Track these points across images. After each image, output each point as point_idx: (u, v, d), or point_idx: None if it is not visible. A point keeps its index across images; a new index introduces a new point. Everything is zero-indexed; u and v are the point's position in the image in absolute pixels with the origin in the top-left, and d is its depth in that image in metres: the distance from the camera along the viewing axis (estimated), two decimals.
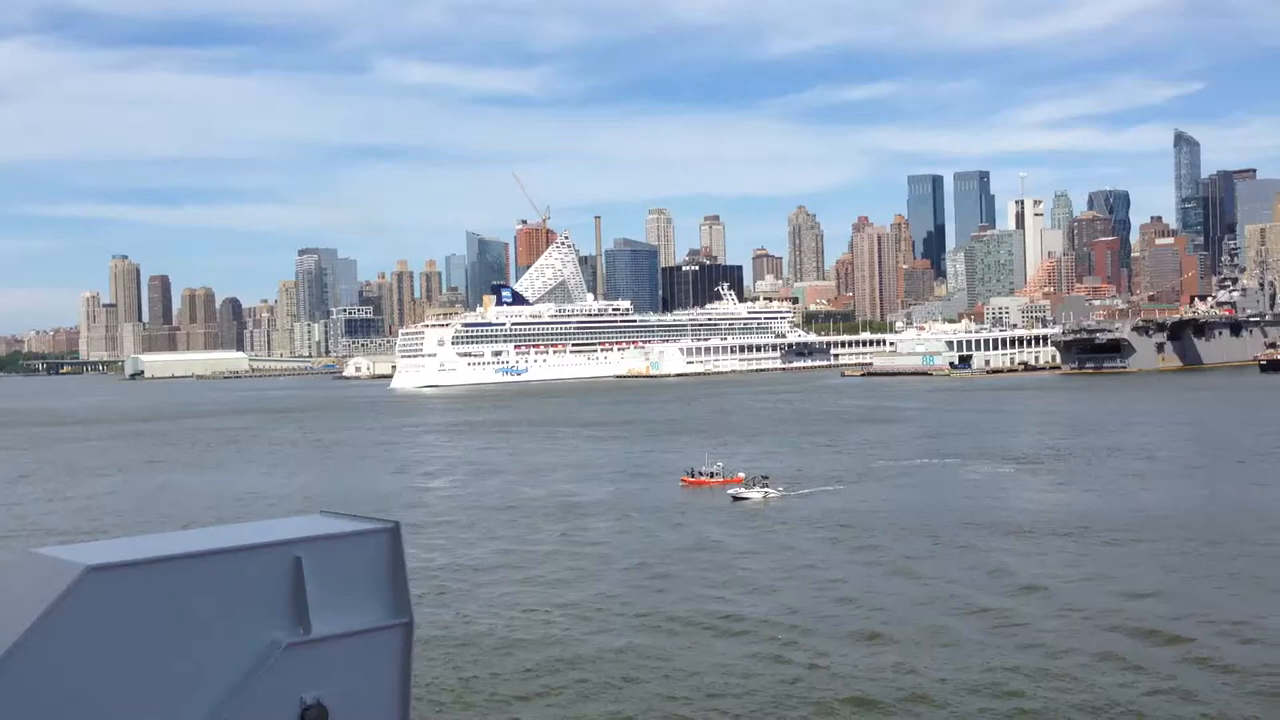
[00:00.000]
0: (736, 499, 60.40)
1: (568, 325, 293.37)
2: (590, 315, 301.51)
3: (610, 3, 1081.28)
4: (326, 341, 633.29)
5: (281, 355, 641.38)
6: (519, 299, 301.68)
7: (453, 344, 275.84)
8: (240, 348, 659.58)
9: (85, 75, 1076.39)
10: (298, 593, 3.94)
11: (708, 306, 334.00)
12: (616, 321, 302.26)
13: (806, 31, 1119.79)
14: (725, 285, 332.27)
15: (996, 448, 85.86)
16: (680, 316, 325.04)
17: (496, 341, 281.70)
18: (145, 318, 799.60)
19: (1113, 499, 59.68)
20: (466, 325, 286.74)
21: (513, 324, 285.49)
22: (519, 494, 67.64)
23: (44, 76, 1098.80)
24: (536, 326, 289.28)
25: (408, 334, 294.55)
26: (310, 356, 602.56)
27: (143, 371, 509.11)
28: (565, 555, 48.29)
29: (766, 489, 61.43)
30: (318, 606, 3.95)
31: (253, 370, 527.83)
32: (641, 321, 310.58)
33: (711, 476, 65.10)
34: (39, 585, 3.58)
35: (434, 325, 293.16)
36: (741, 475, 64.58)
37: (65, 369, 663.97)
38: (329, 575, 4.00)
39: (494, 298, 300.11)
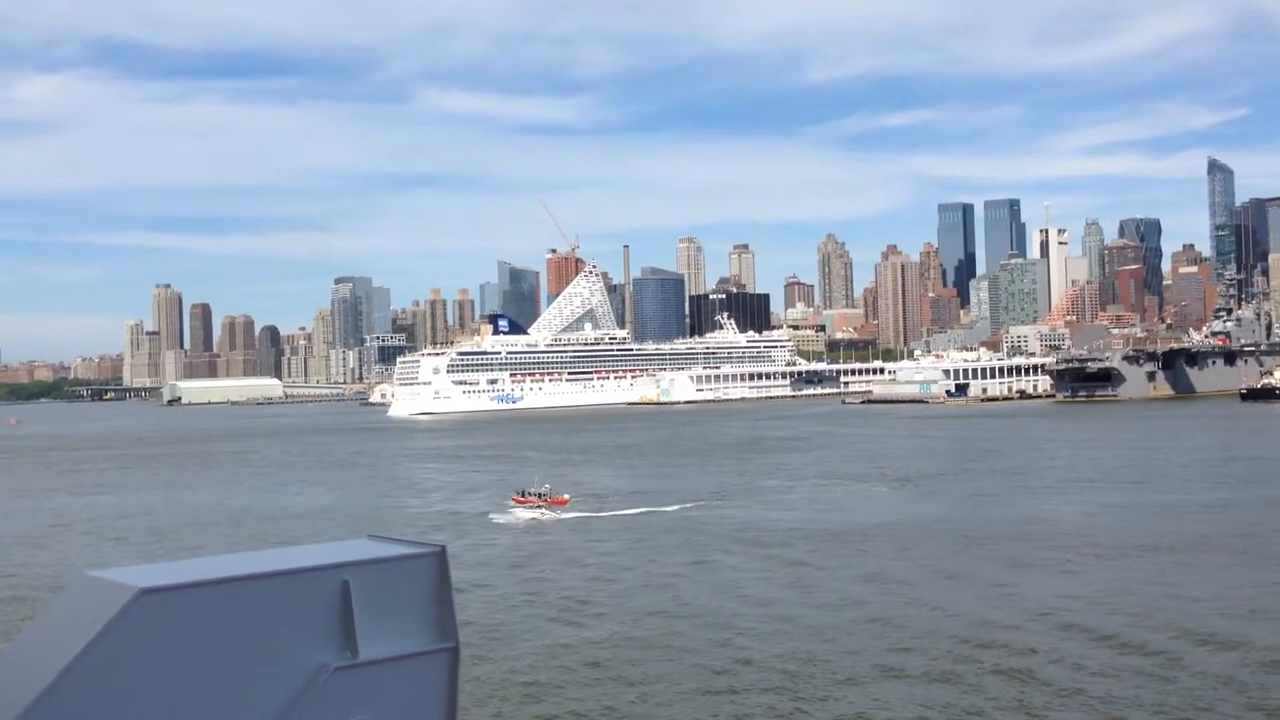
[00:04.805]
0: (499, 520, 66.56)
1: (564, 354, 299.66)
2: (586, 344, 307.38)
3: (650, 31, 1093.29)
4: (361, 368, 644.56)
5: (317, 382, 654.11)
6: (515, 328, 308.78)
7: (448, 372, 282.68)
8: (278, 374, 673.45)
9: (135, 106, 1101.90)
10: (345, 616, 3.94)
11: (707, 335, 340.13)
12: (613, 350, 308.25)
13: (845, 59, 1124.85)
14: (725, 315, 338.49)
15: (891, 470, 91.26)
16: (678, 346, 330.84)
17: (492, 370, 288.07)
18: (187, 345, 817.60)
19: (922, 512, 65.50)
20: (462, 354, 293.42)
21: (508, 352, 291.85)
22: (404, 508, 74.75)
23: (95, 108, 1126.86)
24: (532, 355, 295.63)
25: (405, 362, 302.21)
26: (344, 383, 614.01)
27: (180, 398, 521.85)
28: None
29: (542, 511, 66.99)
30: (365, 630, 3.96)
31: (286, 396, 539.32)
32: (638, 350, 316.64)
33: (540, 497, 70.09)
34: (92, 607, 3.61)
35: (430, 354, 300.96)
36: (566, 497, 70.33)
37: (109, 395, 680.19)
38: (376, 599, 4.01)
39: (491, 326, 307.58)
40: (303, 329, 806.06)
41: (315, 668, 3.91)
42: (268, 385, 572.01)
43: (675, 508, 70.39)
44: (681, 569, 49.60)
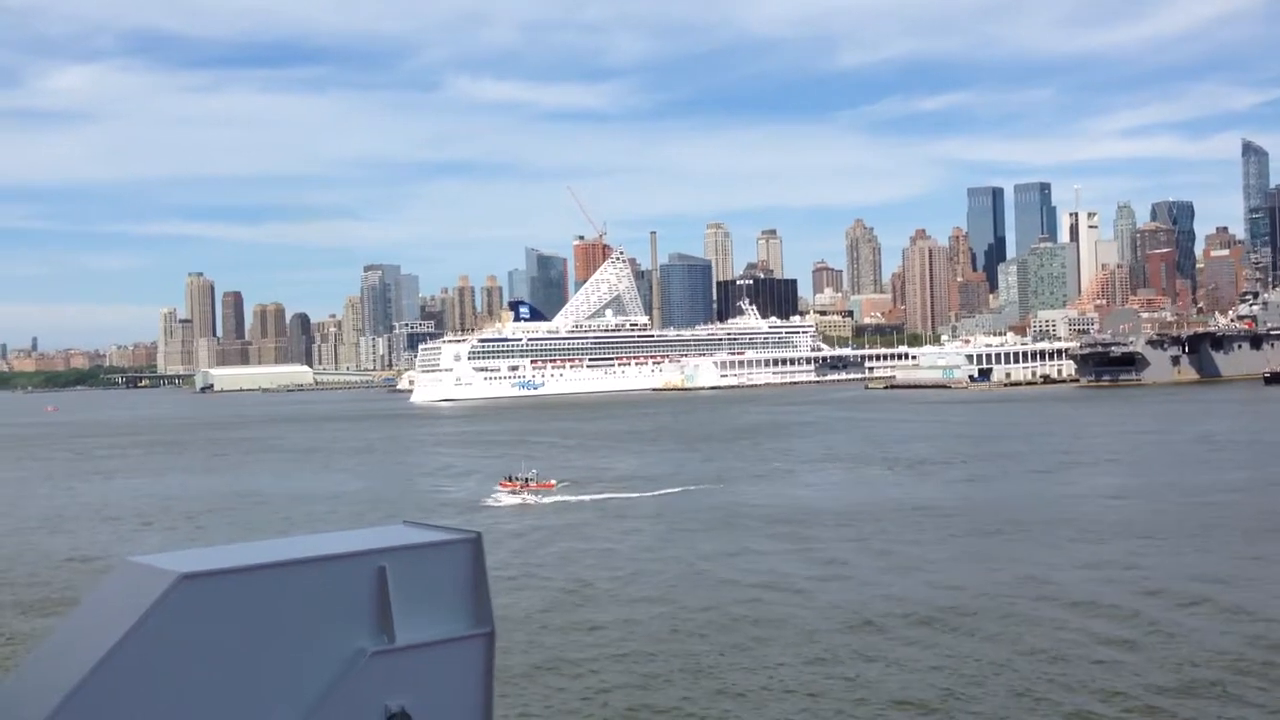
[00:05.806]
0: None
1: (584, 341, 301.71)
2: (608, 331, 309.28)
3: (681, 17, 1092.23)
4: (390, 355, 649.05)
5: (347, 368, 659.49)
6: (537, 314, 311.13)
7: (469, 359, 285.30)
8: (308, 361, 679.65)
9: (170, 97, 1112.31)
10: (382, 602, 4.01)
11: (729, 322, 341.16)
12: (634, 337, 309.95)
13: (878, 43, 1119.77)
14: (746, 301, 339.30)
15: (893, 454, 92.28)
16: (699, 332, 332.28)
17: (513, 356, 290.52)
18: (219, 332, 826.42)
19: (909, 492, 66.39)
20: (483, 340, 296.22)
21: (529, 339, 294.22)
22: (405, 493, 76.58)
23: (130, 98, 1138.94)
24: (553, 342, 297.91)
25: (427, 349, 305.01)
26: (374, 370, 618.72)
27: (212, 385, 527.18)
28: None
29: (525, 495, 68.70)
30: (402, 615, 4.03)
31: (316, 383, 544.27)
32: (659, 336, 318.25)
33: (526, 482, 71.21)
34: (134, 592, 3.69)
35: (451, 341, 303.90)
36: (553, 482, 71.89)
37: (143, 382, 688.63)
38: (413, 584, 4.07)
39: (511, 314, 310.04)
40: (333, 316, 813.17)
41: (353, 653, 3.96)
42: (298, 372, 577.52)
43: (677, 489, 71.63)
44: (661, 547, 50.85)
